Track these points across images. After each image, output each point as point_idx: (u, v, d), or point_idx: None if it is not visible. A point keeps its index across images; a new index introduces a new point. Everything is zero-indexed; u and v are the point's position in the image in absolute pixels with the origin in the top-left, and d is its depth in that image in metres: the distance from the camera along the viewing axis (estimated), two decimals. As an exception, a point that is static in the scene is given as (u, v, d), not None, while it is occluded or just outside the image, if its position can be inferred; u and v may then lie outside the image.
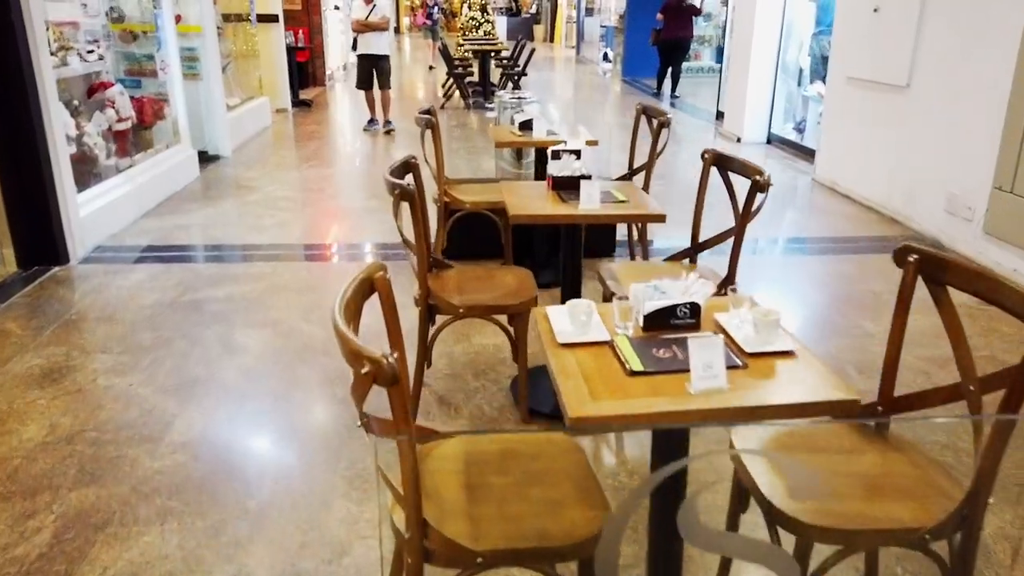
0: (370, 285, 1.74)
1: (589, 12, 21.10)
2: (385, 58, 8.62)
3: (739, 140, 8.53)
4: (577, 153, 3.06)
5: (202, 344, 3.55)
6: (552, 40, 26.94)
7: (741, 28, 8.56)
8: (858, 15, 6.00)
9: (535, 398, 2.96)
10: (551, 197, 2.96)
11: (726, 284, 2.79)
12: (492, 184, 4.52)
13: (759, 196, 2.66)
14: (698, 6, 12.82)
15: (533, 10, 30.03)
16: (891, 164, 5.61)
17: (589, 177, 2.99)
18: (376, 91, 8.77)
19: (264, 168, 7.24)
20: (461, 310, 2.82)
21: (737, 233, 2.78)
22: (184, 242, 5.06)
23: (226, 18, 8.98)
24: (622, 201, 2.89)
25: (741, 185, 2.89)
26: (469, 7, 20.90)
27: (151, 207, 5.76)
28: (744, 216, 2.72)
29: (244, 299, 4.08)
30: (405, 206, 2.68)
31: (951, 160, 4.94)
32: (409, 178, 2.89)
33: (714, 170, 3.17)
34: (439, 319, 2.96)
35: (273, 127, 9.55)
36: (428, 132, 4.02)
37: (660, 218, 2.84)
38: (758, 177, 2.61)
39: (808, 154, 7.49)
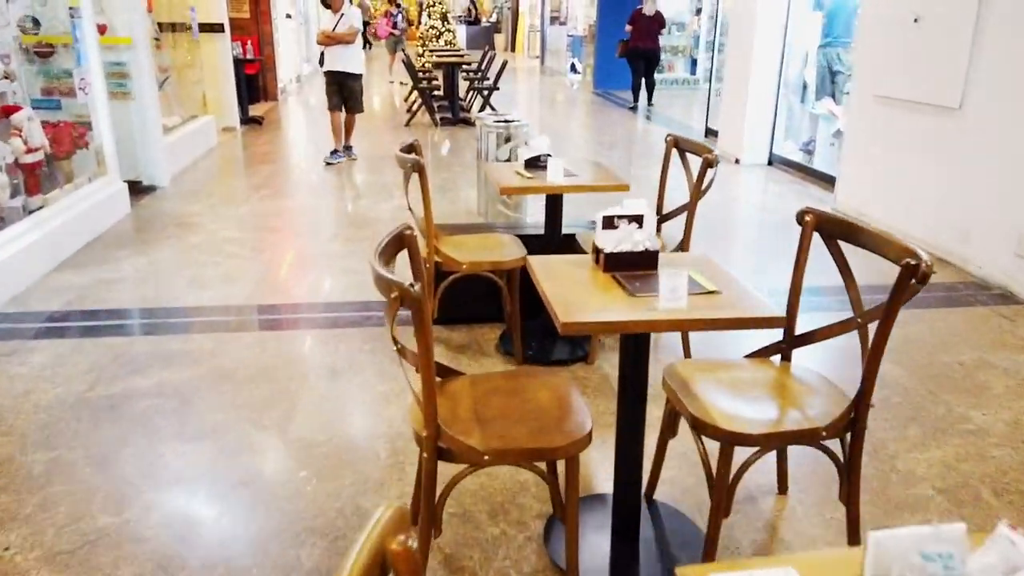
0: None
1: (554, 21, 20.39)
2: (355, 77, 7.59)
3: (737, 162, 7.81)
4: (639, 220, 2.21)
5: (114, 472, 2.61)
6: (514, 49, 26.21)
7: (738, 39, 7.86)
8: (890, 25, 5.30)
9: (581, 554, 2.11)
10: (606, 283, 2.10)
11: (855, 425, 2.02)
12: (489, 235, 3.65)
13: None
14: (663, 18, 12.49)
15: (493, 18, 29.28)
16: (938, 196, 4.90)
17: (656, 253, 2.15)
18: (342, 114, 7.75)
19: (208, 201, 6.25)
20: (486, 457, 1.89)
21: (876, 341, 1.95)
22: (105, 304, 4.08)
23: (163, 28, 7.97)
24: (711, 291, 2.02)
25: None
26: (428, 16, 20.03)
27: (68, 256, 4.76)
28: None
29: (177, 393, 3.14)
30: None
31: (1018, 195, 4.24)
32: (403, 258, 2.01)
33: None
34: (443, 470, 1.97)
35: (220, 149, 8.54)
36: (415, 176, 3.14)
37: (780, 322, 2.00)
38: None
39: (821, 179, 6.79)
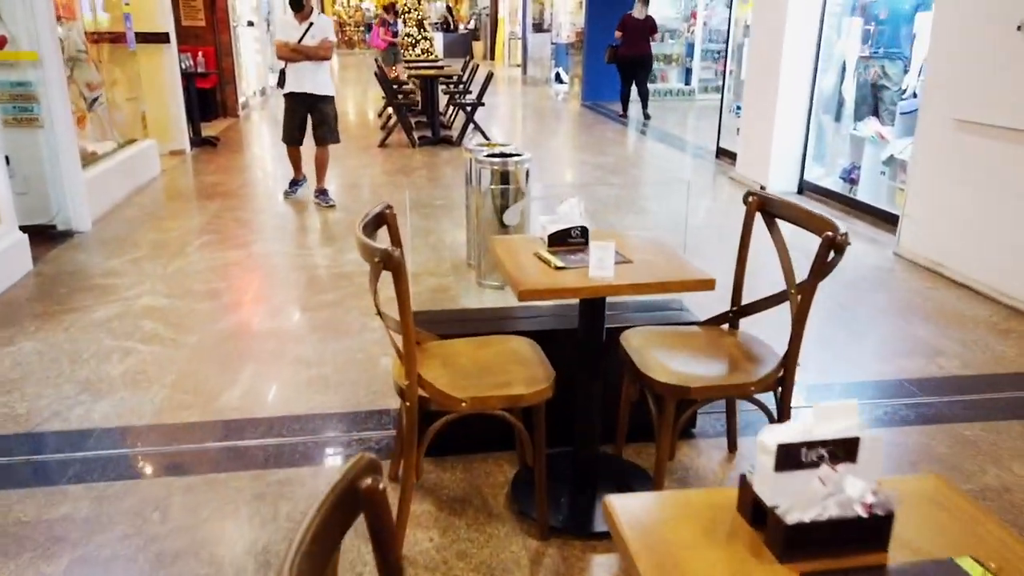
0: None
1: (536, 28, 19.36)
2: (327, 100, 6.22)
3: (763, 189, 6.76)
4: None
5: None
6: (493, 58, 25.15)
7: (763, 48, 6.82)
8: (980, 33, 4.28)
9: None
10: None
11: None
12: (496, 342, 2.53)
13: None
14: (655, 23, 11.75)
15: (471, 25, 28.23)
16: (1054, 250, 3.88)
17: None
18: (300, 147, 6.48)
19: (135, 251, 5.08)
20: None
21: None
22: (-48, 429, 2.91)
23: (93, 39, 6.79)
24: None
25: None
26: (404, 22, 18.91)
27: (-73, 343, 3.59)
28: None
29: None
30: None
31: None
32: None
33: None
34: None
35: (163, 179, 7.35)
36: (386, 274, 2.04)
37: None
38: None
39: (868, 213, 5.76)
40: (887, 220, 5.49)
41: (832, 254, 2.11)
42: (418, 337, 2.40)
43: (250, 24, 13.27)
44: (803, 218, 2.32)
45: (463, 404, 2.11)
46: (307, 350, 3.61)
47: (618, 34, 11.49)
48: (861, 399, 3.19)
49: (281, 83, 6.27)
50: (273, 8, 16.81)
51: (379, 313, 2.11)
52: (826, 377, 3.40)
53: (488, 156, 4.38)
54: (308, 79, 6.11)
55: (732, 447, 2.81)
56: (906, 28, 6.03)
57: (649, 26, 11.48)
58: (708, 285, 2.15)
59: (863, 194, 5.99)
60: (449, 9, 30.44)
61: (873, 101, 6.19)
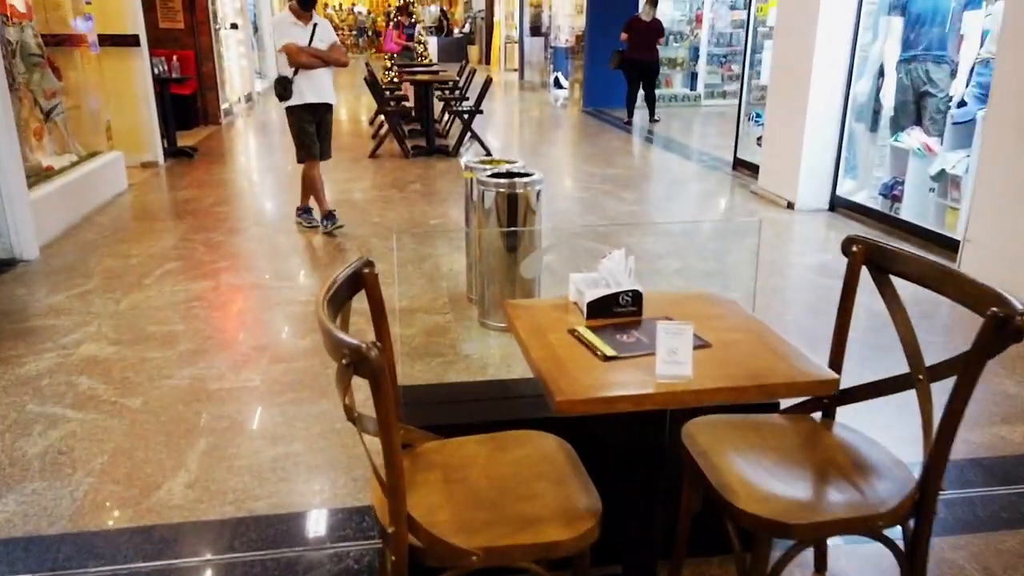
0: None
1: (535, 32, 18.77)
2: (331, 109, 5.59)
3: (790, 206, 6.15)
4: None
5: None
6: (488, 62, 24.54)
7: (790, 50, 6.20)
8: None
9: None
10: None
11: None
12: (515, 441, 1.87)
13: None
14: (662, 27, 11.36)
15: (466, 29, 27.65)
16: None
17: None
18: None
19: (86, 283, 4.43)
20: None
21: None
22: None
23: (51, 42, 6.15)
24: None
25: None
26: (396, 26, 18.29)
27: None
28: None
29: None
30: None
31: None
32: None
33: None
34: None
35: (130, 195, 6.68)
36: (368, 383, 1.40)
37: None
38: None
39: (915, 234, 5.14)
40: (939, 243, 4.87)
41: (998, 335, 1.44)
42: (409, 437, 1.77)
43: (234, 27, 12.63)
44: (937, 278, 1.70)
45: (474, 558, 1.47)
46: (275, 418, 2.96)
47: (624, 37, 11.06)
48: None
49: (285, 94, 5.31)
50: (261, 10, 16.15)
51: (352, 420, 1.46)
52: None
53: (492, 176, 3.74)
54: (325, 88, 5.43)
55: (821, 566, 2.10)
56: (952, 28, 5.43)
57: (656, 29, 11.07)
58: (828, 387, 1.53)
59: (907, 213, 5.37)
60: (443, 12, 29.87)
61: (915, 109, 5.58)
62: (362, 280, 1.75)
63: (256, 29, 15.98)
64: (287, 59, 5.25)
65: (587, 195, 6.75)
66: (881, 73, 5.84)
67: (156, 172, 7.64)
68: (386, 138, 8.71)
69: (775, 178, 6.46)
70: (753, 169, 7.41)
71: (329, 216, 5.51)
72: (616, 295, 1.69)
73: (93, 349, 3.56)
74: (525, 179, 3.68)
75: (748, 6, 7.38)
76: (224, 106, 11.42)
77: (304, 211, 5.67)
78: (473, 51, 26.33)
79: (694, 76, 13.78)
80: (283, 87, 5.30)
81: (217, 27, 11.43)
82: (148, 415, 2.98)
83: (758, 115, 7.34)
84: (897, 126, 5.68)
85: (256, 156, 8.98)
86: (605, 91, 13.18)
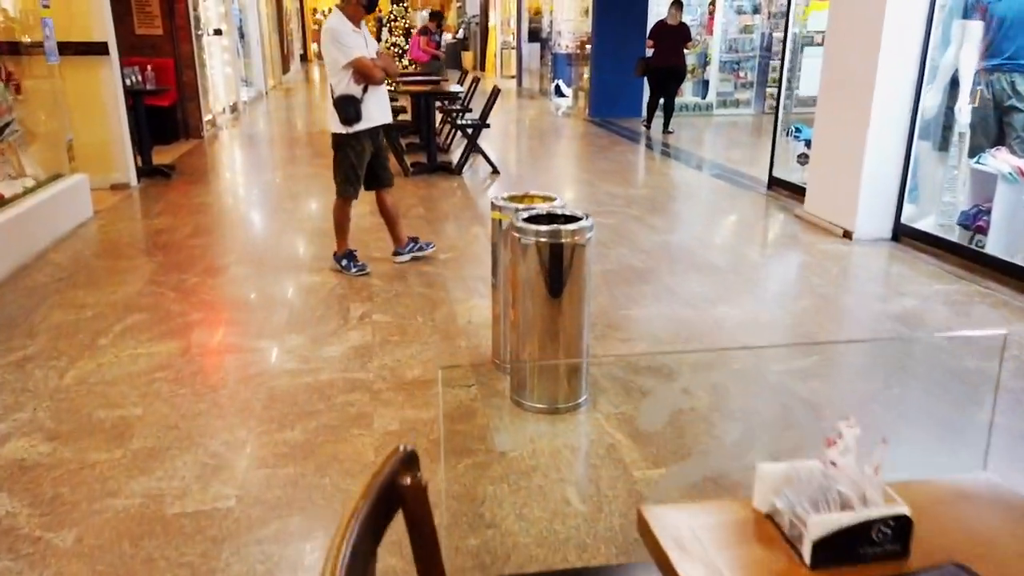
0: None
1: (533, 37, 18.04)
2: (390, 128, 4.89)
3: (847, 235, 5.42)
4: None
5: None
6: (484, 69, 23.81)
7: (846, 58, 5.47)
8: None
9: None
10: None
11: None
12: None
13: None
14: (689, 31, 10.79)
15: (460, 34, 26.91)
16: None
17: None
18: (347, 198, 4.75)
19: (26, 346, 3.63)
20: None
21: None
22: None
23: (3, 50, 5.37)
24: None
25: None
26: (390, 31, 17.53)
27: None
28: None
29: None
30: None
31: None
32: None
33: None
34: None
35: (94, 225, 5.88)
36: None
37: None
38: None
39: (1007, 273, 4.41)
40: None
41: None
42: None
43: (217, 33, 11.83)
44: None
45: None
46: (251, 561, 2.18)
47: (650, 43, 10.52)
48: None
49: (356, 117, 4.39)
50: (247, 15, 15.35)
51: None
52: None
53: (529, 220, 2.98)
54: (387, 106, 4.67)
55: None
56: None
57: (684, 34, 10.47)
58: None
59: (995, 247, 4.64)
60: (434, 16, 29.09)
61: (998, 126, 4.86)
62: (400, 497, 0.97)
63: (242, 35, 15.18)
64: (352, 75, 4.41)
65: (613, 221, 5.99)
66: (954, 84, 5.12)
67: (128, 195, 6.84)
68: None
69: (827, 202, 5.72)
70: (792, 189, 6.69)
71: (354, 259, 4.77)
72: (865, 526, 0.92)
73: (22, 448, 2.77)
74: (572, 226, 2.91)
75: (787, 9, 6.66)
76: (207, 118, 10.62)
77: (346, 255, 4.78)
78: (468, 57, 25.62)
79: (705, 84, 13.07)
80: (354, 109, 4.39)
81: (200, 33, 10.64)
82: (81, 562, 2.19)
83: (798, 129, 6.62)
84: (976, 145, 4.96)
85: (241, 174, 8.19)
86: (612, 100, 12.47)
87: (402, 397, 3.15)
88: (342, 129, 4.45)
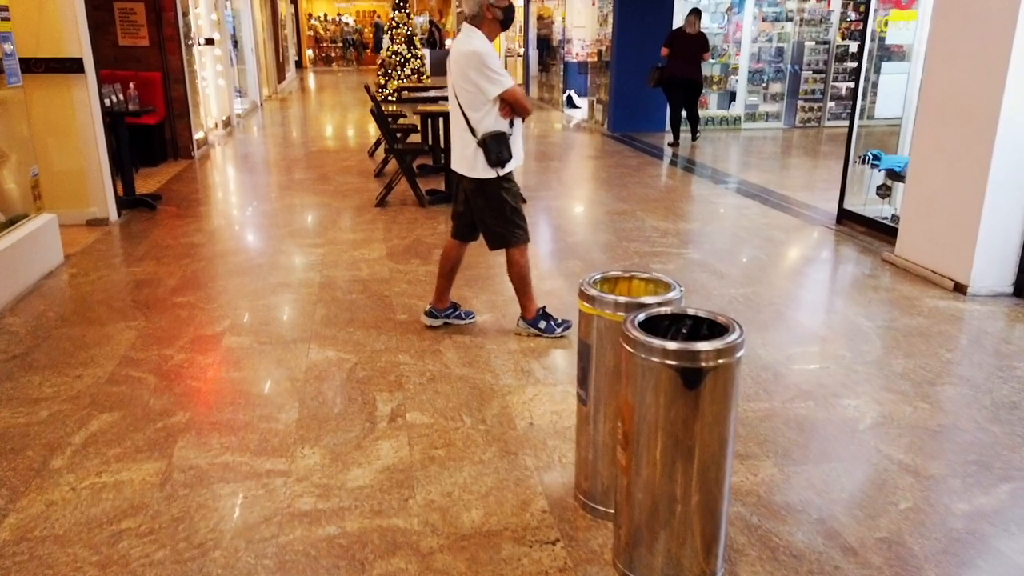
0: None
1: (542, 45, 17.21)
2: None
3: (958, 288, 4.57)
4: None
5: None
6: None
7: (956, 76, 4.62)
8: None
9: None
10: None
11: None
12: None
13: None
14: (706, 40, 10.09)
15: (461, 42, 25.97)
16: None
17: None
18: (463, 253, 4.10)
19: (-43, 468, 2.75)
20: None
21: None
22: None
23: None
24: None
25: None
26: (391, 39, 16.67)
27: None
28: None
29: None
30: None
31: None
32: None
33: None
34: None
35: (65, 273, 5.00)
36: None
37: None
38: None
39: None
40: None
41: None
42: None
43: (209, 42, 10.95)
44: None
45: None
46: None
47: (665, 51, 9.93)
48: None
49: (507, 157, 3.64)
50: (241, 22, 14.45)
51: None
52: None
53: (645, 324, 2.11)
54: (519, 142, 3.82)
55: None
56: None
57: (701, 43, 9.87)
58: None
59: None
60: (433, 23, 28.27)
61: None
62: None
63: (236, 43, 14.29)
64: (500, 108, 3.61)
65: (673, 267, 5.14)
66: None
67: (106, 233, 5.95)
68: (396, 182, 7.06)
69: (928, 247, 4.87)
70: (870, 226, 5.85)
71: (545, 315, 3.99)
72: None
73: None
74: (715, 343, 2.04)
75: (864, 17, 5.81)
76: (198, 136, 9.74)
77: (543, 316, 3.97)
78: (469, 64, 24.72)
79: (732, 96, 12.24)
80: (507, 148, 3.64)
81: (190, 43, 9.76)
82: None
83: (876, 156, 5.78)
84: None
85: (235, 205, 7.31)
86: (633, 113, 11.65)
87: (463, 564, 2.28)
88: (492, 172, 3.67)
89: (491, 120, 3.62)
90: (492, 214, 3.79)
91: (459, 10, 27.80)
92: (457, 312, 4.13)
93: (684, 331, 2.20)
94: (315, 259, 5.32)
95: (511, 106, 3.62)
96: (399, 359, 3.72)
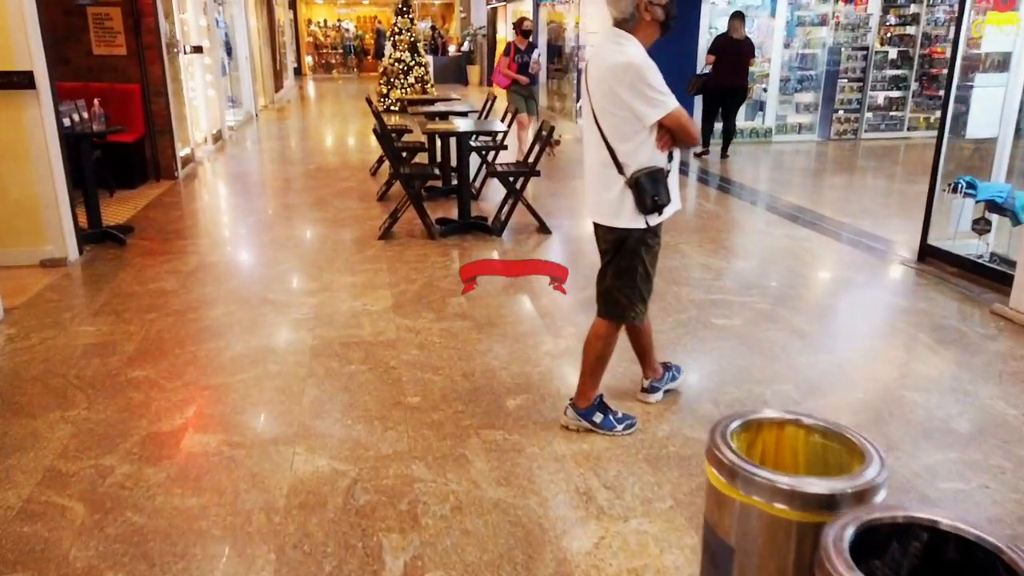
0: None
1: (553, 51, 16.35)
2: None
3: (1103, 355, 3.67)
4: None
5: None
6: (491, 84, 22.13)
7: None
8: None
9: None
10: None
11: None
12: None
13: None
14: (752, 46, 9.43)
15: (465, 47, 25.27)
16: None
17: None
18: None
19: None
20: None
21: None
22: None
23: None
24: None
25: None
26: (394, 45, 15.80)
27: None
28: None
29: None
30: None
31: None
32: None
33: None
34: None
35: (3, 333, 4.10)
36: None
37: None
38: None
39: None
40: None
41: None
42: None
43: (197, 50, 10.07)
44: None
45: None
46: None
47: (710, 59, 9.15)
48: None
49: (664, 202, 2.78)
50: (234, 27, 13.58)
51: None
52: None
53: (855, 541, 1.21)
54: None
55: None
56: None
57: (748, 50, 9.17)
58: None
59: None
60: (435, 29, 27.48)
61: None
62: None
63: (229, 51, 13.42)
64: (659, 137, 2.75)
65: (738, 322, 4.24)
66: None
67: (63, 276, 5.06)
68: (404, 210, 6.17)
69: (1055, 300, 3.98)
70: (960, 266, 4.97)
71: (603, 406, 3.10)
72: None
73: None
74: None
75: (957, 23, 4.92)
76: (183, 153, 8.86)
77: (599, 407, 3.08)
78: (473, 72, 24.01)
79: (761, 106, 11.35)
80: (665, 190, 2.77)
81: (175, 51, 8.89)
82: None
83: (970, 185, 4.88)
84: None
85: (219, 235, 6.42)
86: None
87: None
88: (641, 221, 2.79)
89: (647, 153, 2.72)
90: (623, 275, 2.91)
91: (462, 15, 26.99)
92: (670, 372, 3.41)
93: (915, 552, 1.30)
94: (307, 312, 4.42)
95: (673, 134, 2.73)
96: (413, 471, 2.82)
